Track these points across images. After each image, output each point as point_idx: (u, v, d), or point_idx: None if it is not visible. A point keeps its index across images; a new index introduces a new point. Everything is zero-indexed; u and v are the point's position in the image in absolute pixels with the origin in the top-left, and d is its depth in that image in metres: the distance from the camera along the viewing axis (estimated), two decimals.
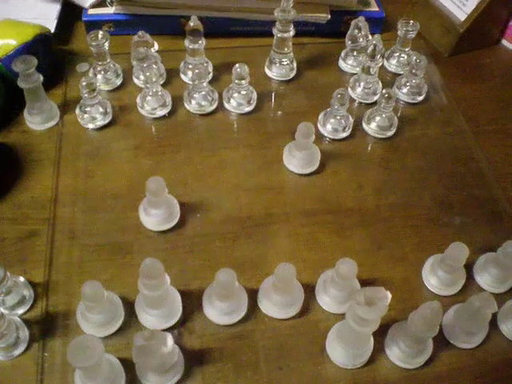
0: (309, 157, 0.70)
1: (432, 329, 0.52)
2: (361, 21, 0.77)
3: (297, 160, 0.70)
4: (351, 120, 0.75)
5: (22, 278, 0.59)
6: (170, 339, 0.49)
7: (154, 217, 0.64)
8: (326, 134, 0.75)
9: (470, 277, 0.63)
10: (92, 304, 0.54)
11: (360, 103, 0.79)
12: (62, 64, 0.82)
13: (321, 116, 0.75)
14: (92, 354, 0.46)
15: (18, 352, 0.56)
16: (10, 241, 0.63)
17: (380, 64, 0.76)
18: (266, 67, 0.82)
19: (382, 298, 0.48)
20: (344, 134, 0.74)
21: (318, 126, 0.75)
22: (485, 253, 0.64)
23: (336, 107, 0.71)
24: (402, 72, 0.83)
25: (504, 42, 0.92)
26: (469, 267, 0.63)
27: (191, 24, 0.73)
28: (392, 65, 0.84)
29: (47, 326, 0.57)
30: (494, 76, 0.87)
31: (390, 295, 0.48)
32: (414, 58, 0.76)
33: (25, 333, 0.57)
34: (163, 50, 0.80)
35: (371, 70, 0.76)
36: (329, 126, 0.74)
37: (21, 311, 0.58)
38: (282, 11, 0.74)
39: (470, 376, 0.57)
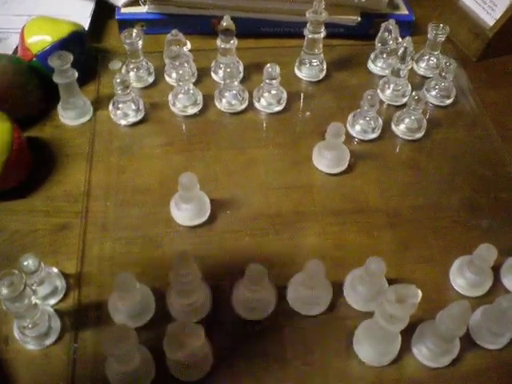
0: (338, 157, 0.71)
1: (460, 327, 0.52)
2: (391, 23, 0.78)
3: (326, 160, 0.71)
4: (380, 121, 0.75)
5: (55, 269, 0.61)
6: (202, 331, 0.50)
7: (185, 212, 0.65)
8: (354, 135, 0.75)
9: (497, 279, 0.63)
10: (125, 295, 0.55)
11: (389, 105, 0.80)
12: (95, 61, 0.83)
13: (350, 117, 0.76)
14: (126, 343, 0.48)
15: (49, 342, 0.57)
16: (44, 232, 0.65)
17: (410, 67, 0.77)
18: (295, 68, 0.83)
19: (412, 295, 0.49)
20: (373, 135, 0.75)
21: (347, 126, 0.76)
22: None
23: (366, 108, 0.72)
24: (430, 75, 0.83)
25: None
26: (496, 270, 0.63)
27: (224, 24, 0.74)
28: (421, 68, 0.84)
29: (79, 317, 0.59)
30: None
31: (420, 293, 0.49)
32: (444, 61, 0.76)
33: (57, 323, 0.58)
34: (195, 50, 0.81)
35: (401, 72, 0.76)
36: (358, 127, 0.75)
37: (53, 301, 0.60)
38: (314, 12, 0.74)
39: (495, 377, 0.57)
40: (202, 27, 0.86)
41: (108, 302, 0.58)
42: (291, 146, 0.74)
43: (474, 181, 0.72)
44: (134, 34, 0.75)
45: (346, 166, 0.72)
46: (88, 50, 0.82)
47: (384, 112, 0.79)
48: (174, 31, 0.75)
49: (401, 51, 0.74)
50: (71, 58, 0.69)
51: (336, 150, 0.70)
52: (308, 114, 0.79)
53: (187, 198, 0.64)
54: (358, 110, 0.74)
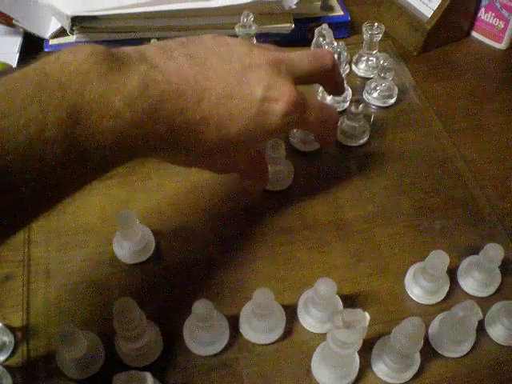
0: (282, 174, 0.69)
1: (416, 345, 0.51)
2: (324, 28, 0.76)
3: (270, 176, 0.68)
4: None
5: (0, 324, 0.58)
6: (149, 379, 0.48)
7: (128, 249, 0.62)
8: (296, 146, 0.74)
9: (454, 282, 0.62)
10: (69, 348, 0.53)
11: None
12: None
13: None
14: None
15: None
16: None
17: (347, 71, 0.75)
18: None
19: (360, 319, 0.47)
20: (317, 146, 0.73)
21: (290, 138, 0.74)
22: (469, 255, 0.63)
23: None
24: (371, 76, 0.81)
25: (474, 34, 0.91)
26: (453, 271, 0.62)
27: None
28: (361, 69, 0.83)
29: (29, 372, 0.56)
30: (466, 71, 0.86)
31: (368, 316, 0.48)
32: (381, 61, 0.75)
33: (8, 380, 0.55)
34: None
35: None
36: (298, 136, 0.73)
37: (2, 358, 0.57)
38: (243, 27, 0.72)
39: None
40: None
41: (56, 354, 0.56)
42: None
43: (424, 181, 0.71)
44: None
45: (290, 181, 0.70)
46: None
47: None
48: None
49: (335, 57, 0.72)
50: None
51: (278, 166, 0.68)
52: None
53: (128, 236, 0.61)
54: None
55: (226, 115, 0.52)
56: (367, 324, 0.47)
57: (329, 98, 0.77)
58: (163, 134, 0.50)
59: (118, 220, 0.60)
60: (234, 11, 0.76)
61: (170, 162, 0.58)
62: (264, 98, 0.53)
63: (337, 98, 0.77)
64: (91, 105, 0.44)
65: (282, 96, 0.54)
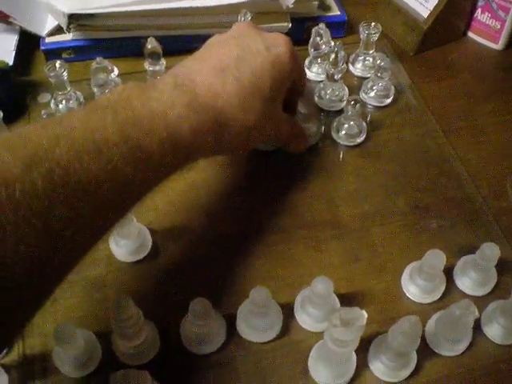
0: (311, 130, 0.72)
1: (413, 343, 0.51)
2: (321, 28, 0.76)
3: None
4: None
5: None
6: (146, 377, 0.48)
7: (125, 247, 0.62)
8: None
9: (450, 281, 0.62)
10: (65, 346, 0.53)
11: (328, 111, 0.78)
12: (24, 96, 0.80)
13: None
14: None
15: None
16: None
17: (344, 70, 0.75)
18: None
19: (358, 318, 0.47)
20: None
21: None
22: (465, 255, 0.63)
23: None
24: (368, 75, 0.81)
25: (470, 34, 0.91)
26: (449, 270, 0.62)
27: (149, 46, 0.72)
28: (358, 69, 0.83)
29: (25, 370, 0.56)
30: (463, 70, 0.86)
31: (365, 315, 0.47)
32: (378, 61, 0.75)
33: (4, 378, 0.55)
34: (125, 73, 0.79)
35: (335, 76, 0.75)
36: None
37: None
38: None
39: (458, 383, 0.56)
40: (131, 49, 0.83)
41: (52, 352, 0.56)
42: (231, 165, 0.72)
43: (420, 181, 0.71)
44: (57, 66, 0.72)
45: (319, 136, 0.74)
46: (14, 86, 0.79)
47: (324, 119, 0.77)
48: (98, 59, 0.72)
49: (332, 56, 0.72)
50: None
51: (309, 124, 0.72)
52: None
53: (125, 234, 0.61)
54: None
55: (247, 72, 0.58)
56: (365, 322, 0.47)
57: (326, 97, 0.77)
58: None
59: None
60: (232, 10, 0.76)
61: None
62: (267, 46, 0.61)
63: (333, 98, 0.77)
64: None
65: (280, 42, 0.62)
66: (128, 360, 0.56)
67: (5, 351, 0.57)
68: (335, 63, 0.73)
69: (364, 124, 0.74)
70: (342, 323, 0.47)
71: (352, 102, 0.69)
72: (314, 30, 0.77)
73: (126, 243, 0.62)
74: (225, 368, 0.56)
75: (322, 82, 0.79)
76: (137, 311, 0.52)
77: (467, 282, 0.61)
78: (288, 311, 0.59)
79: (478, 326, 0.58)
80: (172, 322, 0.58)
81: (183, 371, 0.56)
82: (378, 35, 0.78)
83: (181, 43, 0.83)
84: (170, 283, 0.62)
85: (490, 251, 0.58)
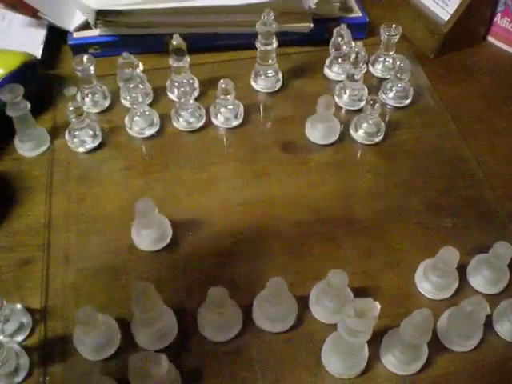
0: (330, 129, 0.75)
1: (424, 336, 0.52)
2: (343, 28, 0.78)
3: (318, 132, 0.75)
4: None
5: (19, 305, 0.60)
6: (164, 360, 0.50)
7: (146, 237, 0.64)
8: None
9: (463, 278, 0.63)
10: (87, 329, 0.54)
11: (347, 110, 0.79)
12: (51, 89, 0.82)
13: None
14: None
15: (19, 379, 0.56)
16: (7, 268, 0.64)
17: (364, 71, 0.76)
18: (252, 80, 0.83)
19: (371, 308, 0.49)
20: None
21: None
22: (478, 254, 0.64)
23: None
24: (388, 76, 0.82)
25: (490, 38, 0.92)
26: (462, 269, 0.63)
27: (174, 43, 0.73)
28: (378, 70, 0.84)
29: (47, 352, 0.58)
30: (481, 74, 0.87)
31: (379, 306, 0.49)
32: (398, 62, 0.76)
33: (25, 360, 0.57)
34: (149, 69, 0.81)
35: (355, 76, 0.76)
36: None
37: (20, 338, 0.59)
38: (263, 24, 0.74)
39: (467, 379, 0.57)
40: (155, 46, 0.85)
41: (73, 335, 0.58)
42: (251, 160, 0.74)
43: (436, 180, 0.72)
44: (85, 60, 0.74)
45: (336, 137, 0.75)
46: (42, 78, 0.81)
47: (342, 117, 0.79)
48: (124, 54, 0.74)
49: (353, 56, 0.73)
50: (22, 90, 0.69)
51: (327, 123, 0.73)
52: (266, 125, 0.79)
53: (146, 224, 0.63)
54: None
55: None
56: (378, 313, 0.48)
57: (345, 97, 0.79)
58: None
59: (137, 207, 0.61)
60: (256, 9, 0.77)
61: None
62: None
63: (353, 97, 0.78)
64: None
65: None
66: (146, 345, 0.57)
67: (26, 333, 0.59)
68: (355, 63, 0.74)
69: (382, 124, 0.75)
70: (355, 313, 0.48)
71: (371, 102, 0.70)
72: (335, 31, 0.79)
73: (147, 233, 0.64)
74: (239, 356, 0.58)
75: (341, 81, 0.80)
76: (157, 297, 0.54)
77: (480, 280, 0.62)
78: (303, 303, 0.61)
79: (489, 324, 0.59)
80: (190, 309, 0.60)
81: (199, 357, 0.57)
82: (398, 37, 0.79)
83: (204, 41, 0.85)
84: (188, 272, 0.64)
85: (503, 250, 0.59)
